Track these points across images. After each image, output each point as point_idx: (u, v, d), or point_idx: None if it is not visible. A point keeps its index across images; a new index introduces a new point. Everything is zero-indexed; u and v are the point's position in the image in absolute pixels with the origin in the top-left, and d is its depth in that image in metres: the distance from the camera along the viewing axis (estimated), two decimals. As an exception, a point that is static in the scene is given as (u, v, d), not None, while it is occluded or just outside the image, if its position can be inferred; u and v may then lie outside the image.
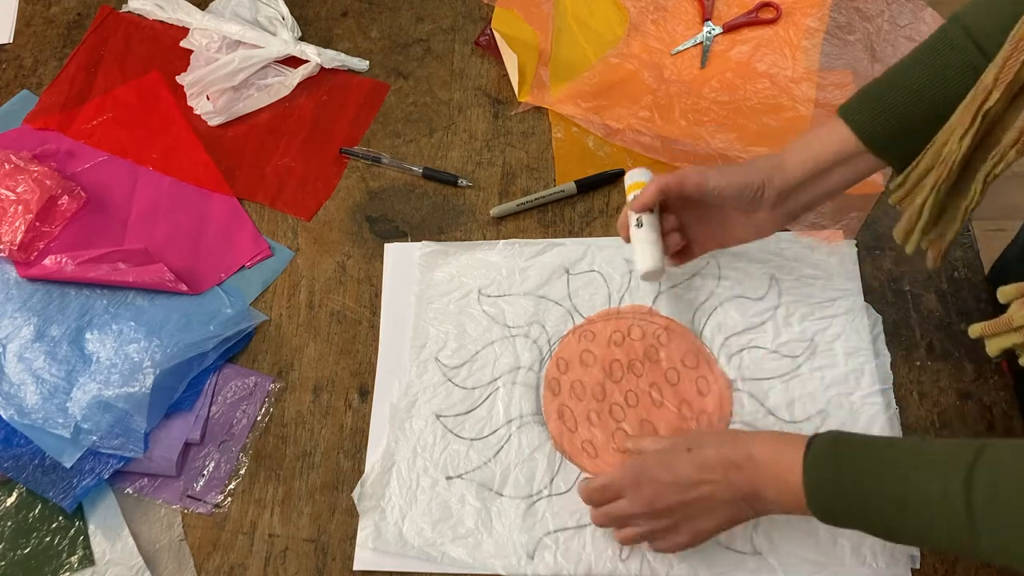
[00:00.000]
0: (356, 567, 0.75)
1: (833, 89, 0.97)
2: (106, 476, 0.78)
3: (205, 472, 0.80)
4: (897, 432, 0.76)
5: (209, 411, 0.83)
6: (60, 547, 0.77)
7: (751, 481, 0.63)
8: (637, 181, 0.77)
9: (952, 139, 0.60)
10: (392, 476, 0.78)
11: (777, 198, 0.71)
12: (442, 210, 0.93)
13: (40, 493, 0.78)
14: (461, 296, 0.87)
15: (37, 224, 0.91)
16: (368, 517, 0.76)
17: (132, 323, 0.86)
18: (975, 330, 0.59)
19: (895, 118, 0.65)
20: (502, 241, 0.90)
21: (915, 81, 0.65)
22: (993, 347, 0.58)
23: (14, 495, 0.80)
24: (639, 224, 0.74)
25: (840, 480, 0.58)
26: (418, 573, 0.74)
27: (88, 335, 0.86)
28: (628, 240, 0.75)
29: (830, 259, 0.85)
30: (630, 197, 0.76)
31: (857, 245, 0.85)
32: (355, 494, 0.77)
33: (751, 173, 0.70)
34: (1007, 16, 0.58)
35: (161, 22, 1.09)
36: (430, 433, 0.80)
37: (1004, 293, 0.58)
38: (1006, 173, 0.60)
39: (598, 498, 0.71)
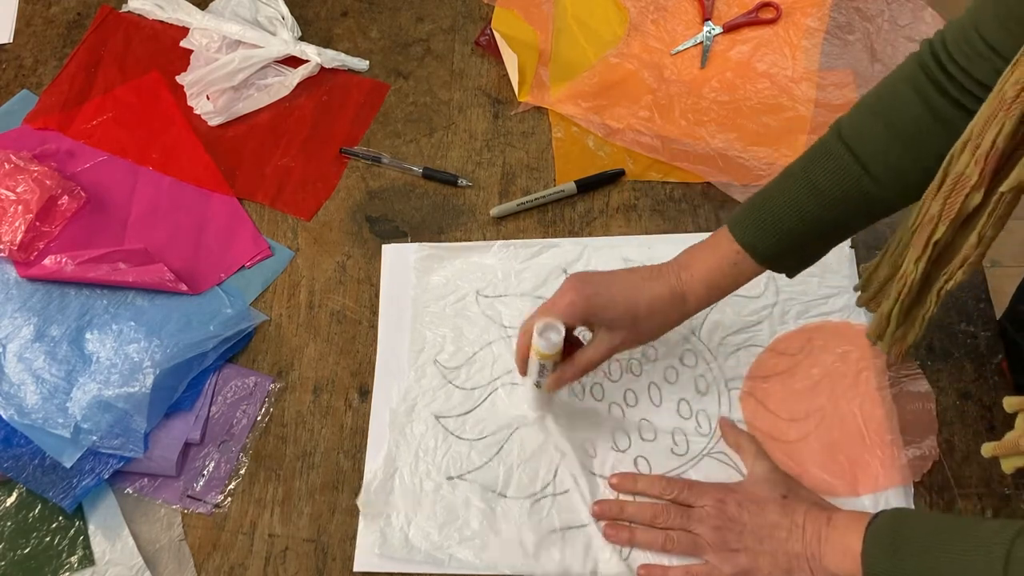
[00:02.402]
0: (356, 568, 0.75)
1: (833, 89, 0.97)
2: (106, 476, 0.78)
3: (205, 472, 0.80)
4: (896, 429, 0.76)
5: (209, 411, 0.83)
6: (60, 547, 0.77)
7: (819, 542, 0.66)
8: (542, 351, 0.69)
9: (908, 261, 0.66)
10: (395, 482, 0.78)
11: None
12: (442, 210, 0.93)
13: (40, 493, 0.78)
14: (458, 299, 0.87)
15: (37, 224, 0.91)
16: (373, 524, 0.76)
17: (132, 323, 0.86)
18: (987, 450, 0.62)
19: (780, 233, 0.68)
20: (497, 243, 0.90)
21: (794, 193, 0.68)
22: (1008, 466, 0.61)
23: (14, 495, 0.80)
24: (538, 385, 0.73)
25: (896, 555, 0.61)
26: (418, 574, 0.74)
27: (88, 335, 0.86)
28: (523, 373, 0.75)
29: (826, 257, 0.85)
30: (540, 358, 0.70)
31: (853, 245, 0.85)
32: (359, 501, 0.77)
33: (652, 327, 0.72)
34: (874, 120, 0.64)
35: (161, 22, 1.09)
36: (431, 436, 0.80)
37: (1010, 403, 0.61)
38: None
39: (676, 492, 0.73)
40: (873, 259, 0.72)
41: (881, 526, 0.63)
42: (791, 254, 0.70)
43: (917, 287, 0.67)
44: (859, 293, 0.75)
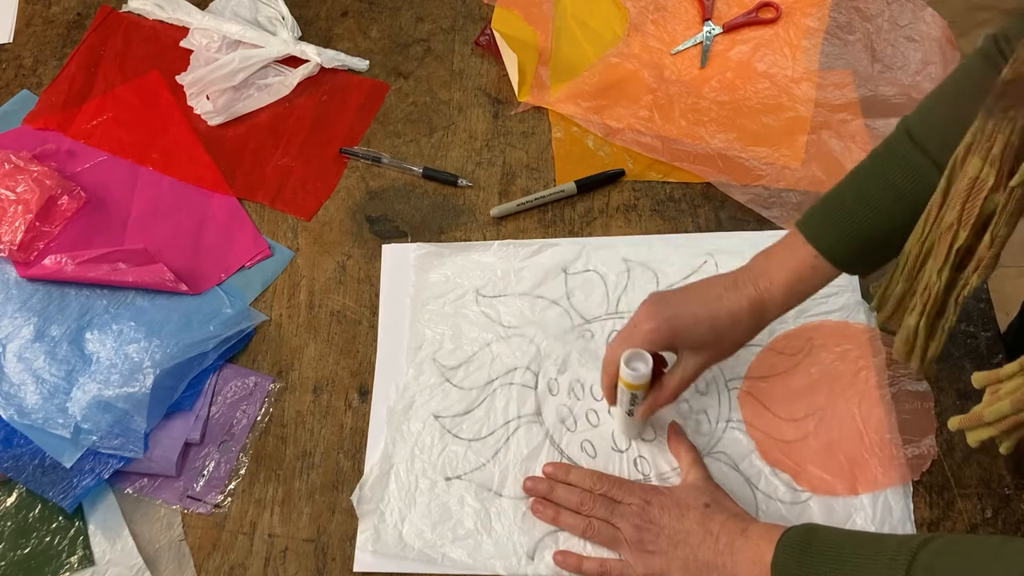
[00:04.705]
0: (356, 568, 0.75)
1: (833, 89, 0.97)
2: (106, 476, 0.78)
3: (205, 472, 0.80)
4: (895, 429, 0.76)
5: (209, 411, 0.83)
6: (60, 547, 0.77)
7: (732, 552, 0.66)
8: (631, 383, 0.69)
9: (931, 272, 0.65)
10: (391, 478, 0.78)
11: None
12: (442, 210, 0.93)
13: (40, 493, 0.78)
14: (457, 297, 0.87)
15: (37, 224, 0.91)
16: (367, 520, 0.76)
17: (132, 323, 0.86)
18: (953, 423, 0.63)
19: (856, 234, 0.68)
20: (497, 242, 0.90)
21: (868, 192, 0.68)
22: (972, 439, 0.62)
23: (14, 495, 0.80)
24: (630, 414, 0.73)
25: (805, 564, 0.61)
26: (418, 575, 0.74)
27: (88, 335, 0.86)
28: (611, 403, 0.75)
29: None
30: (629, 388, 0.71)
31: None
32: (354, 497, 0.77)
33: (735, 340, 0.72)
34: (946, 118, 0.63)
35: (161, 22, 1.09)
36: (428, 434, 0.80)
37: (978, 379, 0.61)
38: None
39: (606, 487, 0.73)
40: (883, 278, 0.72)
41: (793, 537, 0.63)
42: (866, 255, 0.69)
43: (943, 296, 0.66)
44: (875, 313, 0.74)
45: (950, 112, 0.65)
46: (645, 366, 0.68)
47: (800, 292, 0.71)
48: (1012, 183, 0.58)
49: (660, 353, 0.73)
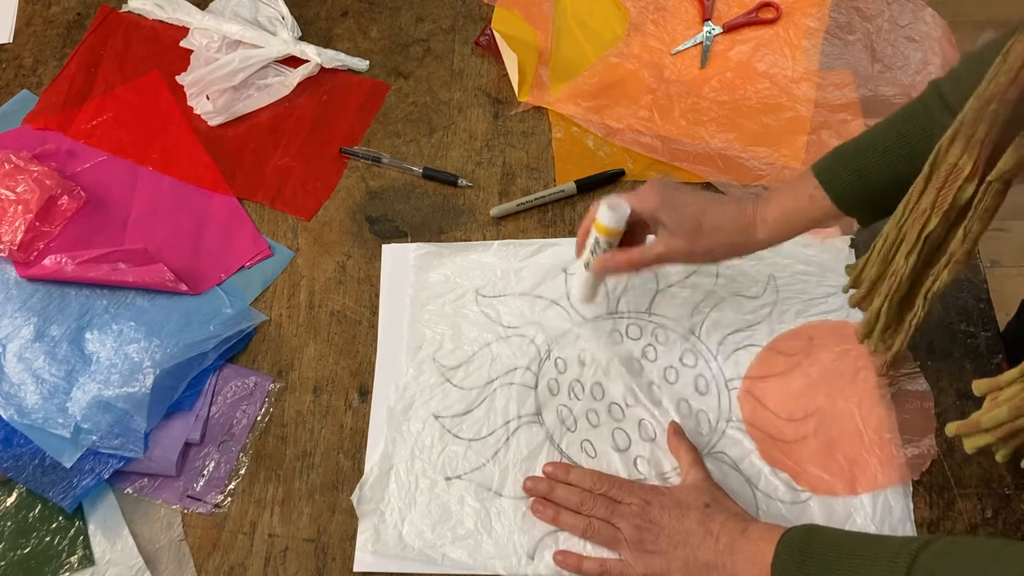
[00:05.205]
0: (356, 568, 0.75)
1: (833, 89, 0.97)
2: (106, 476, 0.78)
3: (205, 472, 0.80)
4: (894, 428, 0.76)
5: (209, 411, 0.83)
6: (60, 547, 0.77)
7: (732, 552, 0.66)
8: (602, 224, 0.70)
9: (900, 256, 0.65)
10: (390, 478, 0.78)
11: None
12: (442, 210, 0.93)
13: (40, 493, 0.78)
14: (457, 297, 0.87)
15: (37, 224, 0.91)
16: (367, 520, 0.76)
17: (132, 323, 0.86)
18: (950, 429, 0.63)
19: (861, 176, 0.68)
20: (496, 242, 0.90)
21: (883, 140, 0.68)
22: (969, 445, 0.62)
23: (14, 495, 0.80)
24: (587, 266, 0.74)
25: (805, 564, 0.61)
26: (418, 574, 0.74)
27: (88, 335, 0.86)
28: (579, 254, 0.76)
29: (824, 255, 0.85)
30: (597, 231, 0.73)
31: (854, 243, 0.85)
32: (354, 497, 0.77)
33: (714, 244, 0.72)
34: (978, 82, 0.62)
35: (161, 22, 1.09)
36: (428, 434, 0.80)
37: (979, 387, 0.61)
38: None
39: (606, 487, 0.73)
40: (859, 259, 0.72)
41: (793, 537, 0.63)
42: (864, 199, 0.69)
43: (907, 283, 0.67)
44: (851, 292, 0.75)
45: (973, 67, 0.63)
46: (621, 211, 0.70)
47: (792, 223, 0.71)
48: (989, 177, 0.58)
49: (644, 230, 0.74)
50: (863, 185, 0.68)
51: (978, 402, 0.77)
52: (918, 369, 0.79)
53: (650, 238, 0.75)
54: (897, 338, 0.71)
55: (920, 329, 0.69)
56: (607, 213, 0.70)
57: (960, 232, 0.61)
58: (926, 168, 0.62)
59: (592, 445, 0.78)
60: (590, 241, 0.73)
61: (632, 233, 0.74)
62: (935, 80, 0.67)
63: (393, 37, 1.07)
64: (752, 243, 0.72)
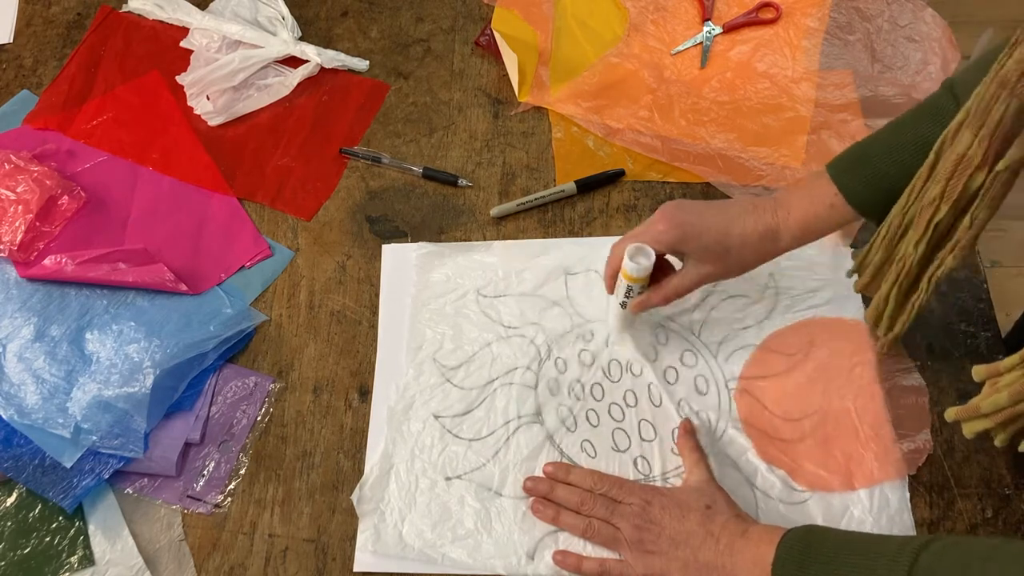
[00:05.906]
0: (356, 568, 0.75)
1: (833, 89, 0.97)
2: (106, 476, 0.78)
3: (205, 472, 0.80)
4: (890, 424, 0.76)
5: (209, 411, 0.83)
6: (60, 547, 0.77)
7: (732, 553, 0.66)
8: (630, 275, 0.72)
9: (908, 244, 0.66)
10: (391, 478, 0.78)
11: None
12: (442, 210, 0.93)
13: (40, 493, 0.78)
14: (458, 297, 0.87)
15: (37, 224, 0.91)
16: (367, 520, 0.76)
17: (132, 323, 0.86)
18: (950, 414, 0.64)
19: (878, 180, 0.69)
20: (498, 242, 0.90)
21: (898, 143, 0.68)
22: (968, 430, 0.63)
23: (14, 495, 0.80)
24: (623, 305, 0.75)
25: (805, 564, 0.61)
26: (418, 574, 0.74)
27: (88, 335, 0.86)
28: (610, 291, 0.77)
29: (824, 256, 0.85)
30: (626, 279, 0.73)
31: (854, 246, 0.85)
32: (354, 497, 0.77)
33: (743, 260, 0.73)
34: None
35: (161, 22, 1.09)
36: (428, 434, 0.80)
37: (978, 372, 0.62)
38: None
39: (607, 487, 0.73)
40: (864, 245, 0.73)
41: (793, 538, 0.63)
42: (885, 202, 0.69)
43: (916, 269, 0.67)
44: (854, 279, 0.75)
45: (987, 69, 0.64)
46: (646, 260, 0.70)
47: (815, 229, 0.72)
48: (998, 167, 0.58)
49: (667, 259, 0.74)
50: (883, 190, 0.68)
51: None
52: (912, 364, 0.79)
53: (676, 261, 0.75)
54: (899, 320, 0.71)
55: (922, 311, 0.70)
56: (632, 265, 0.70)
57: (967, 219, 0.62)
58: (931, 156, 0.62)
59: (592, 445, 0.78)
60: (621, 287, 0.74)
61: (659, 266, 0.74)
62: (950, 77, 0.68)
63: (393, 37, 1.07)
64: (779, 249, 0.73)
